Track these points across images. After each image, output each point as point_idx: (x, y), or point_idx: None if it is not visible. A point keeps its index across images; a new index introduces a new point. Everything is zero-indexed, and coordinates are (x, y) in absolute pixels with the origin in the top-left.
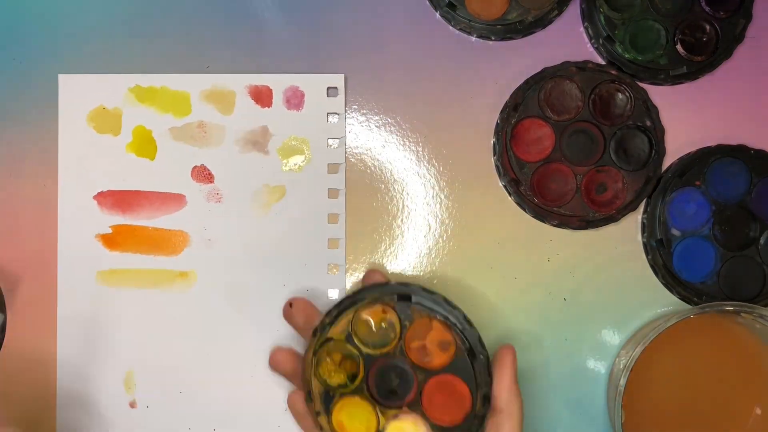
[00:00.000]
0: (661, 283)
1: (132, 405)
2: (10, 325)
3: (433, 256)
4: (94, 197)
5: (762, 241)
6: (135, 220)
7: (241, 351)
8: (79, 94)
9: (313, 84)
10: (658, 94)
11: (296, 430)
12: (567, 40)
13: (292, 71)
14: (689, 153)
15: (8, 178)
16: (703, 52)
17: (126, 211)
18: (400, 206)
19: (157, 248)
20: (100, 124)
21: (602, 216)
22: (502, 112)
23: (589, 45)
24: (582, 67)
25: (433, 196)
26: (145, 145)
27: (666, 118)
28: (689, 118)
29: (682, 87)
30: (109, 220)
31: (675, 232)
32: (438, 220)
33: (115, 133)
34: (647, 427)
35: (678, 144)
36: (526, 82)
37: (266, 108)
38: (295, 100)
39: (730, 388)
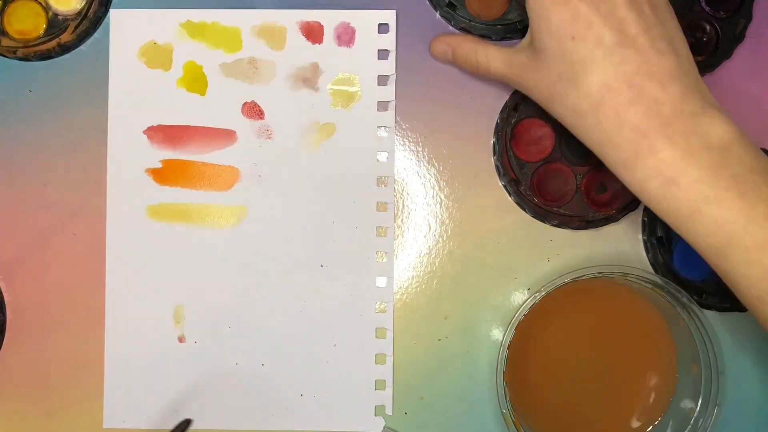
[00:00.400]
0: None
1: (180, 339)
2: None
3: (433, 256)
4: (144, 132)
5: None
6: (185, 154)
7: (289, 287)
8: (131, 29)
9: (364, 20)
10: None
11: (345, 366)
12: None
13: (343, 7)
14: None
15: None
16: (703, 52)
17: (176, 145)
18: (400, 206)
19: (207, 183)
20: (151, 59)
21: (602, 216)
22: (501, 112)
23: None
24: None
25: (433, 196)
26: (196, 80)
27: None
28: None
29: None
30: (159, 154)
31: None
32: (438, 220)
33: (166, 68)
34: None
35: None
36: None
37: (317, 44)
38: (346, 36)
39: (623, 355)
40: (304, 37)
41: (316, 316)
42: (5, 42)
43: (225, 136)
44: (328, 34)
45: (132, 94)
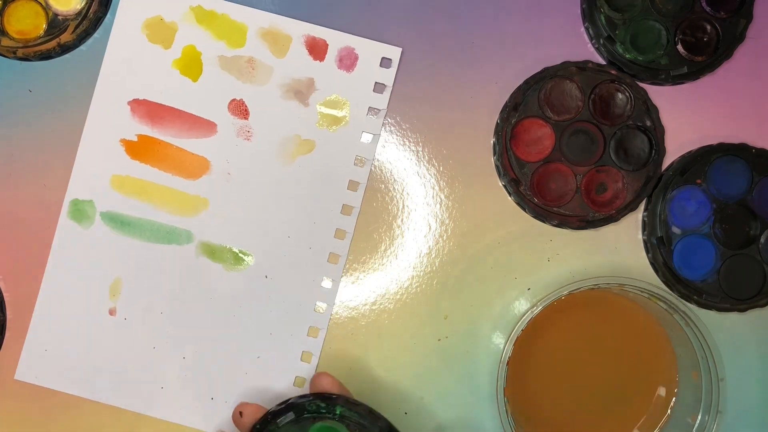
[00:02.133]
0: (662, 281)
1: (111, 312)
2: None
3: (433, 256)
4: (129, 102)
5: (762, 239)
6: (162, 135)
7: (230, 289)
8: None
9: (369, 50)
10: (659, 94)
11: (263, 381)
12: (567, 41)
13: (355, 32)
14: (691, 151)
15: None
16: (703, 52)
17: (156, 123)
18: (400, 206)
19: (176, 168)
20: (153, 33)
21: (602, 216)
22: (501, 112)
23: (589, 45)
24: (582, 67)
25: (433, 196)
26: (191, 65)
27: (666, 118)
28: (689, 117)
29: (682, 87)
30: (137, 128)
31: (675, 230)
32: (438, 220)
33: (166, 46)
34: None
35: (678, 144)
36: (526, 82)
37: (318, 61)
38: (347, 61)
39: (623, 364)
40: (307, 50)
41: (248, 324)
42: (5, 42)
43: (206, 126)
44: (331, 54)
45: (126, 62)
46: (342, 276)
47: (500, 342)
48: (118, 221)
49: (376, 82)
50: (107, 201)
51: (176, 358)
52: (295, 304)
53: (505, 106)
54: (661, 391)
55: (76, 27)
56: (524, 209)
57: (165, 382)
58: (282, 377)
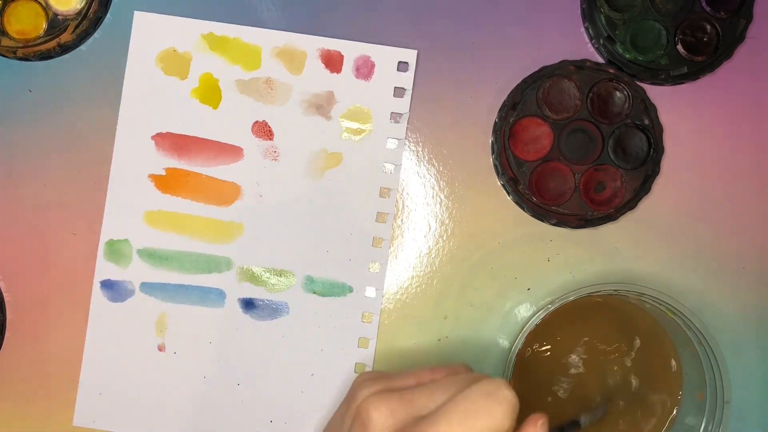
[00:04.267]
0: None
1: (160, 348)
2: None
3: (433, 256)
4: (153, 137)
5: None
6: (190, 165)
7: (275, 311)
8: (153, 33)
9: (385, 56)
10: (657, 93)
11: (320, 398)
12: (567, 41)
13: (367, 40)
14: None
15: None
16: (703, 52)
17: (182, 155)
18: (400, 206)
19: (208, 197)
20: (168, 66)
21: (601, 215)
22: (500, 111)
23: (589, 45)
24: (580, 65)
25: (433, 196)
26: (210, 93)
27: (664, 116)
28: (689, 116)
29: (682, 86)
30: (164, 162)
31: None
32: (438, 220)
33: (182, 77)
34: None
35: (677, 142)
36: (524, 81)
37: (335, 73)
38: (365, 69)
39: (629, 372)
40: (323, 64)
41: (298, 343)
42: (5, 42)
43: (232, 152)
44: (348, 65)
45: (145, 97)
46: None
47: (501, 341)
48: (155, 257)
49: (395, 87)
50: (143, 238)
51: (230, 386)
52: (342, 317)
53: (504, 105)
54: (664, 401)
55: (76, 27)
56: (523, 208)
57: (222, 411)
58: (337, 392)
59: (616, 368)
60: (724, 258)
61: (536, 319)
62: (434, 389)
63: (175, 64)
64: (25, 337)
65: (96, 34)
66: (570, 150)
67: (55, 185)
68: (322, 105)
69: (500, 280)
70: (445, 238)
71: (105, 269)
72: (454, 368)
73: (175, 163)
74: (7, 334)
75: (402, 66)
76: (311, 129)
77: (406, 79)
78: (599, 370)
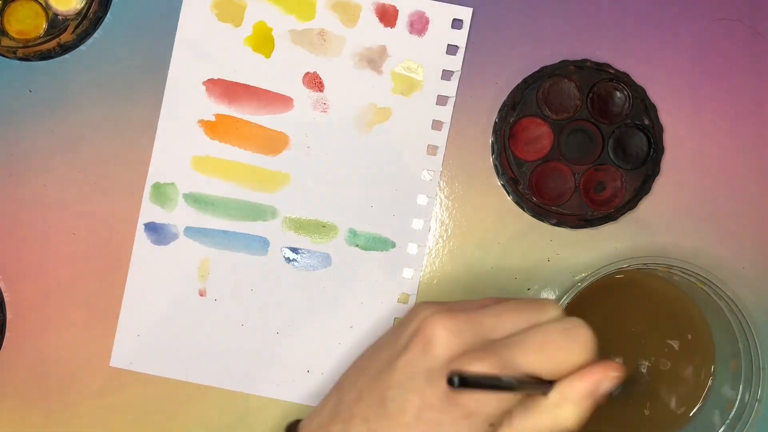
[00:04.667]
0: None
1: (201, 293)
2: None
3: (433, 256)
4: (204, 83)
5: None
6: (239, 113)
7: (316, 259)
8: None
9: (439, 12)
10: (657, 93)
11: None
12: (566, 40)
13: None
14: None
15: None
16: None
17: (232, 102)
18: None
19: (256, 145)
20: (223, 12)
21: (601, 215)
22: (500, 111)
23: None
24: (580, 65)
25: (433, 196)
26: (263, 41)
27: (664, 116)
28: (689, 115)
29: (681, 85)
30: (214, 108)
31: None
32: (438, 220)
33: (236, 24)
34: None
35: (677, 142)
36: (525, 81)
37: (388, 28)
38: (419, 25)
39: (660, 344)
40: (377, 18)
41: (338, 295)
42: (5, 42)
43: (282, 101)
44: (402, 20)
45: (197, 43)
46: (427, 241)
47: None
48: (201, 201)
49: (448, 45)
50: (189, 182)
51: (269, 335)
52: (382, 272)
53: (504, 105)
54: (698, 371)
55: (76, 27)
56: (523, 208)
57: (260, 358)
58: None
59: (645, 344)
60: (723, 259)
61: (567, 299)
62: (501, 311)
63: (229, 10)
64: (25, 337)
65: (96, 34)
66: (570, 150)
67: (55, 185)
68: (374, 59)
69: (500, 280)
70: (445, 238)
71: (150, 212)
72: (520, 300)
73: (224, 109)
74: (7, 334)
75: (456, 23)
76: (362, 83)
77: (460, 37)
78: (629, 348)
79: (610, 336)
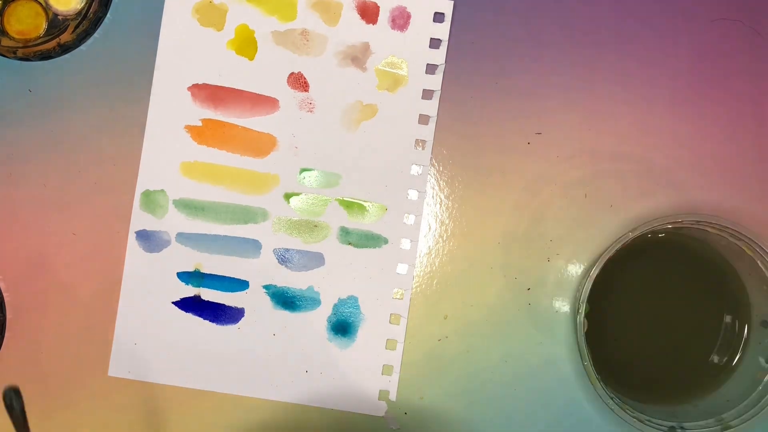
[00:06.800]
0: None
1: (196, 299)
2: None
3: (433, 256)
4: (188, 88)
5: None
6: (226, 116)
7: (311, 261)
8: None
9: (420, 6)
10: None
11: (355, 347)
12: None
13: None
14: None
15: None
16: None
17: (218, 106)
18: None
19: (244, 148)
20: (204, 17)
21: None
22: None
23: None
24: None
25: (433, 196)
26: (246, 44)
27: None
28: (689, 115)
29: (680, 85)
30: (201, 113)
31: None
32: (438, 220)
33: (218, 28)
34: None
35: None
36: None
37: (370, 24)
38: (400, 20)
39: (697, 300)
40: (358, 15)
41: (332, 292)
42: (5, 42)
43: (268, 103)
44: (383, 16)
45: (181, 49)
46: (418, 237)
47: (498, 343)
48: (191, 207)
49: (431, 38)
50: (179, 188)
51: (266, 337)
52: (377, 268)
53: None
54: (735, 321)
55: (76, 27)
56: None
57: (258, 361)
58: (373, 341)
59: (684, 299)
60: None
61: (596, 270)
62: None
63: (211, 15)
64: (25, 337)
65: (96, 34)
66: None
67: (55, 185)
68: (358, 56)
69: (500, 280)
70: (445, 238)
71: (141, 220)
72: None
73: (211, 114)
74: (7, 334)
75: (438, 17)
76: (347, 81)
77: (443, 30)
78: (667, 302)
79: (648, 296)
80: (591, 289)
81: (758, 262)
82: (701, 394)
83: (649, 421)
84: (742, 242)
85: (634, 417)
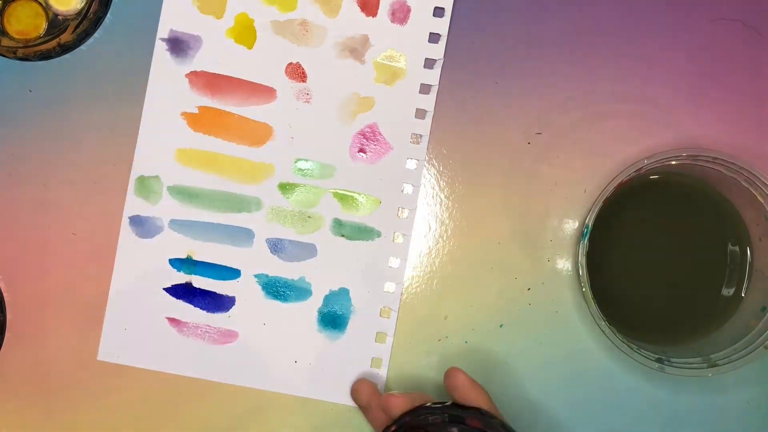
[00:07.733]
0: None
1: (188, 286)
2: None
3: (433, 256)
4: (186, 75)
5: None
6: (223, 104)
7: (304, 251)
8: None
9: (421, 1)
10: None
11: (344, 339)
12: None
13: None
14: None
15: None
16: None
17: (215, 94)
18: None
19: (239, 137)
20: (204, 4)
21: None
22: None
23: None
24: None
25: (433, 196)
26: (245, 33)
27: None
28: (689, 115)
29: (677, 85)
30: (198, 100)
31: None
32: (438, 220)
33: (218, 15)
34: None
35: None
36: None
37: (370, 17)
38: (400, 13)
39: (700, 234)
40: (359, 7)
41: (324, 284)
42: (5, 42)
43: (265, 92)
44: (383, 9)
45: (180, 35)
46: (413, 230)
47: (498, 343)
48: (185, 194)
49: (430, 33)
50: (173, 175)
51: (256, 325)
52: (369, 260)
53: None
54: (742, 251)
55: (76, 27)
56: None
57: (247, 350)
58: (363, 333)
59: (688, 234)
60: None
61: (606, 193)
62: None
63: (211, 2)
64: (25, 337)
65: (96, 34)
66: None
67: (55, 185)
68: (357, 49)
69: (500, 280)
70: (445, 238)
71: (134, 205)
72: None
73: (208, 101)
74: (7, 335)
75: (438, 11)
76: (345, 72)
77: (442, 25)
78: (671, 239)
79: (649, 234)
80: (589, 247)
81: (755, 193)
82: (713, 328)
83: (638, 349)
84: (738, 174)
85: (623, 342)
